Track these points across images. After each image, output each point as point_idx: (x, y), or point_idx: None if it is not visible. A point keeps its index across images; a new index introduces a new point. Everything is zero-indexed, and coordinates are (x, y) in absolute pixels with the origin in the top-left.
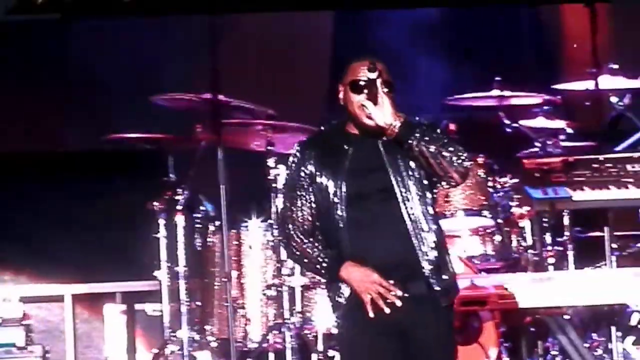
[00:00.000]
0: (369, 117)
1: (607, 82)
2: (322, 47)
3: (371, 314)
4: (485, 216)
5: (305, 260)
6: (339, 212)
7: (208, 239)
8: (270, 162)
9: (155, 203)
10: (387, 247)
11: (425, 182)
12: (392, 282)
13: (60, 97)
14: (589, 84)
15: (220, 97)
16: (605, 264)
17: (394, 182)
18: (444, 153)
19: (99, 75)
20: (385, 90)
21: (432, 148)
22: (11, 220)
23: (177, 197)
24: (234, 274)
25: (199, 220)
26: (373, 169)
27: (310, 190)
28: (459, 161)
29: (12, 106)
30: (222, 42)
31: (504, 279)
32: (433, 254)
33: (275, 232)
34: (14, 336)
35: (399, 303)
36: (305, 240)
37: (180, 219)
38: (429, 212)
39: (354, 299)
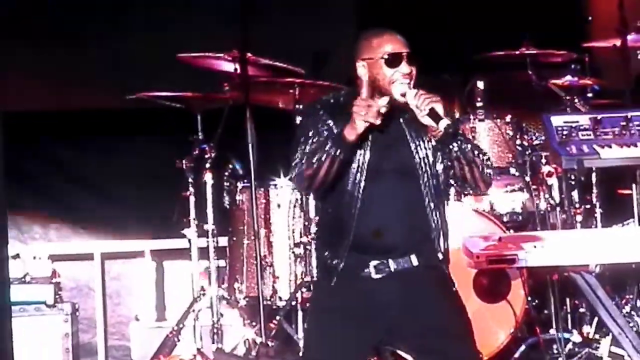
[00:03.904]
0: (402, 95)
1: (635, 39)
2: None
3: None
4: (513, 174)
5: (318, 154)
6: (351, 181)
7: (236, 197)
8: (298, 120)
9: (184, 161)
10: (395, 222)
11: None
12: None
13: (87, 54)
14: (617, 42)
15: (248, 54)
16: (633, 222)
17: (413, 158)
18: (477, 162)
19: (126, 32)
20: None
21: (469, 156)
22: (40, 179)
23: (205, 156)
24: (262, 232)
25: (227, 179)
26: (392, 144)
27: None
28: (488, 172)
29: (38, 64)
30: None
31: (532, 236)
32: (438, 231)
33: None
34: (44, 294)
35: (383, 110)
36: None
37: (208, 177)
38: (439, 190)
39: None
